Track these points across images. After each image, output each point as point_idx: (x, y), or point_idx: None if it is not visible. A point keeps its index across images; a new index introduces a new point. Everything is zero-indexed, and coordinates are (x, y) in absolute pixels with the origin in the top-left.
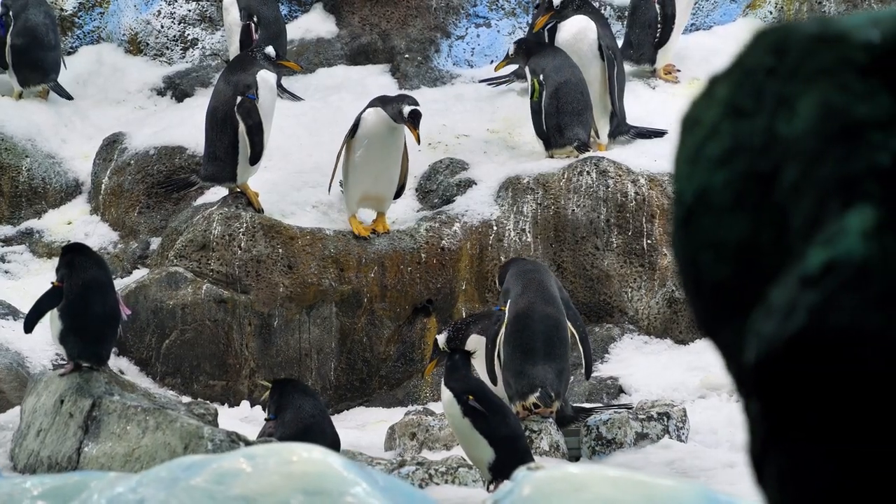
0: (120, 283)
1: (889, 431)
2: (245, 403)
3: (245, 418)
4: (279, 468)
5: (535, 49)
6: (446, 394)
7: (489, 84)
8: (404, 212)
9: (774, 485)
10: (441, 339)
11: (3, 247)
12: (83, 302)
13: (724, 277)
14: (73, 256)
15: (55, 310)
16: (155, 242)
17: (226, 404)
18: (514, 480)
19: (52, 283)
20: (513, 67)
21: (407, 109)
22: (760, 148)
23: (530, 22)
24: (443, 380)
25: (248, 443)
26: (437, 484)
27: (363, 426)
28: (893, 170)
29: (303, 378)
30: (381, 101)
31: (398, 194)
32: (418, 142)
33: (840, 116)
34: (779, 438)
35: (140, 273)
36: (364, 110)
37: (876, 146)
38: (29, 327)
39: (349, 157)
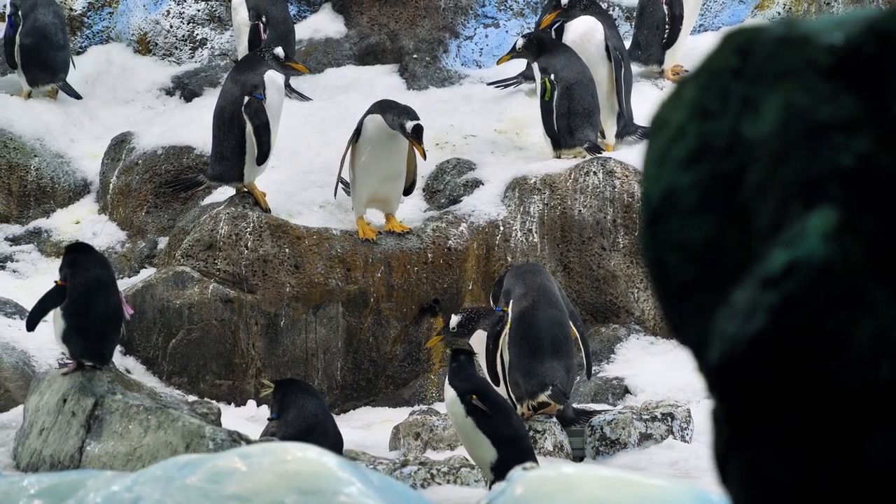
0: (127, 283)
1: (849, 432)
2: (251, 403)
3: (251, 418)
4: (274, 467)
5: (545, 47)
6: (450, 392)
7: (497, 86)
8: (411, 212)
9: (738, 484)
10: (454, 320)
11: (11, 246)
12: (86, 301)
13: (691, 278)
14: (77, 256)
15: (58, 309)
16: (162, 242)
17: (232, 404)
18: (508, 480)
19: (56, 282)
20: (520, 69)
21: (409, 125)
22: (726, 149)
23: (538, 21)
24: (447, 379)
25: (249, 442)
26: (440, 484)
27: (369, 426)
28: (856, 172)
29: (309, 378)
30: (381, 109)
31: (408, 192)
32: (424, 157)
33: (804, 118)
34: (741, 438)
35: (147, 272)
36: (365, 115)
37: (838, 148)
38: (31, 326)
39: (354, 160)
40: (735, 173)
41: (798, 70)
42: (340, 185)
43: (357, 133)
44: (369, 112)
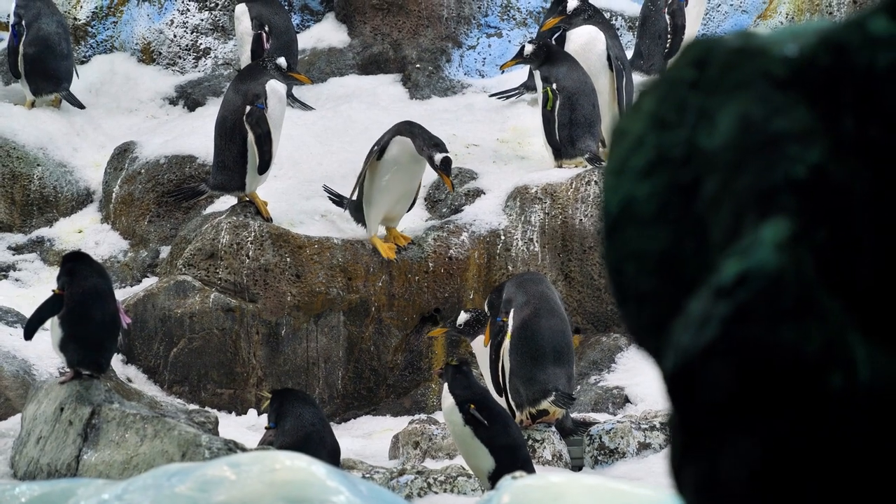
0: (129, 292)
1: (801, 443)
2: (252, 412)
3: (252, 426)
4: (262, 476)
5: (550, 56)
6: (448, 401)
7: (499, 98)
8: (413, 221)
9: (691, 492)
10: (462, 317)
11: (13, 255)
12: (83, 310)
13: (648, 288)
14: (74, 265)
15: (56, 318)
16: (164, 251)
17: (233, 412)
18: (496, 489)
19: (53, 290)
20: (521, 79)
21: (438, 157)
22: (682, 160)
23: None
24: (446, 387)
25: (245, 451)
26: (436, 493)
27: (370, 435)
28: (809, 182)
29: (310, 386)
30: (410, 133)
31: (409, 207)
32: (452, 189)
33: (758, 129)
34: (695, 447)
35: (149, 281)
36: (391, 136)
37: (792, 159)
38: (29, 335)
39: (374, 179)
40: (691, 184)
41: (753, 81)
42: (328, 195)
43: (381, 151)
44: (396, 133)
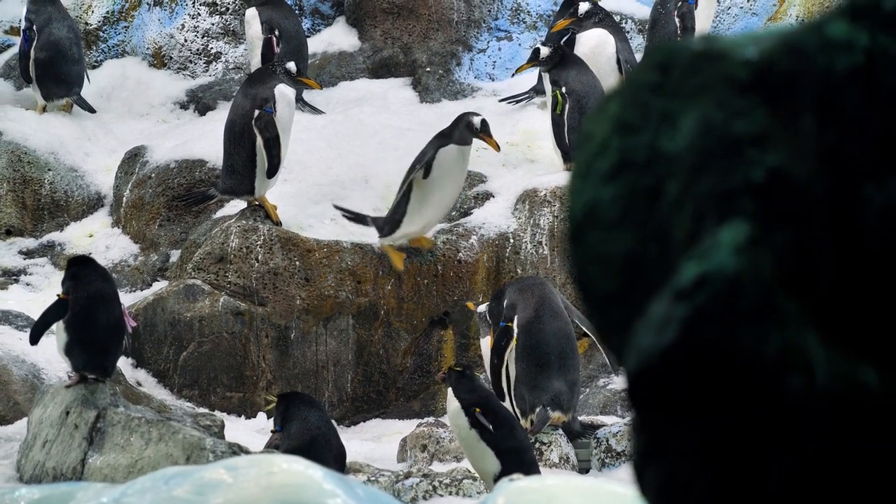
0: (139, 296)
1: (759, 445)
2: (262, 415)
3: (261, 430)
4: (259, 479)
5: (561, 59)
6: (453, 405)
7: (509, 102)
8: None
9: (653, 494)
10: (481, 308)
11: (24, 259)
12: (88, 314)
13: (612, 291)
14: (79, 269)
15: (60, 322)
16: (175, 255)
17: (242, 416)
18: (492, 492)
19: (58, 295)
20: (531, 83)
21: (476, 121)
22: (645, 163)
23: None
24: (450, 390)
25: (249, 454)
26: (441, 496)
27: (379, 438)
28: (767, 185)
29: (320, 390)
30: (445, 137)
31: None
32: (497, 149)
33: (718, 132)
34: (656, 448)
35: (159, 285)
36: (432, 153)
37: (751, 162)
38: (34, 339)
39: (420, 196)
40: (654, 187)
41: (714, 85)
42: (343, 213)
43: (427, 169)
44: (435, 148)
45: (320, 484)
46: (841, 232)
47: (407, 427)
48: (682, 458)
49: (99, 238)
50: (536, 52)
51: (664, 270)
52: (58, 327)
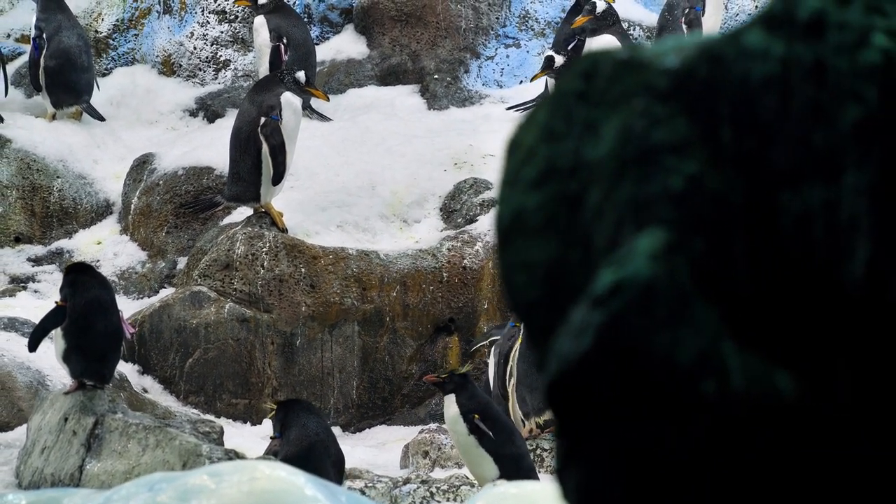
0: (145, 303)
1: (675, 450)
2: (267, 422)
3: (266, 437)
4: (241, 485)
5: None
6: (452, 411)
7: (517, 110)
8: (429, 231)
9: (573, 499)
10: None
11: (33, 266)
12: (86, 321)
13: (536, 297)
14: (77, 276)
15: (59, 329)
16: (182, 262)
17: (248, 422)
18: (475, 497)
19: (56, 302)
20: (539, 90)
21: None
22: (570, 171)
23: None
24: (451, 396)
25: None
26: (439, 502)
27: (384, 444)
28: (685, 193)
29: (325, 397)
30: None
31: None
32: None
33: (638, 140)
34: (574, 454)
35: (166, 292)
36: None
37: (669, 170)
38: (33, 346)
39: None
40: (578, 195)
41: (636, 93)
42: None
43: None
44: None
45: (302, 490)
46: (758, 239)
47: (412, 434)
48: (598, 464)
49: (107, 245)
50: (550, 59)
51: (587, 277)
52: (56, 334)
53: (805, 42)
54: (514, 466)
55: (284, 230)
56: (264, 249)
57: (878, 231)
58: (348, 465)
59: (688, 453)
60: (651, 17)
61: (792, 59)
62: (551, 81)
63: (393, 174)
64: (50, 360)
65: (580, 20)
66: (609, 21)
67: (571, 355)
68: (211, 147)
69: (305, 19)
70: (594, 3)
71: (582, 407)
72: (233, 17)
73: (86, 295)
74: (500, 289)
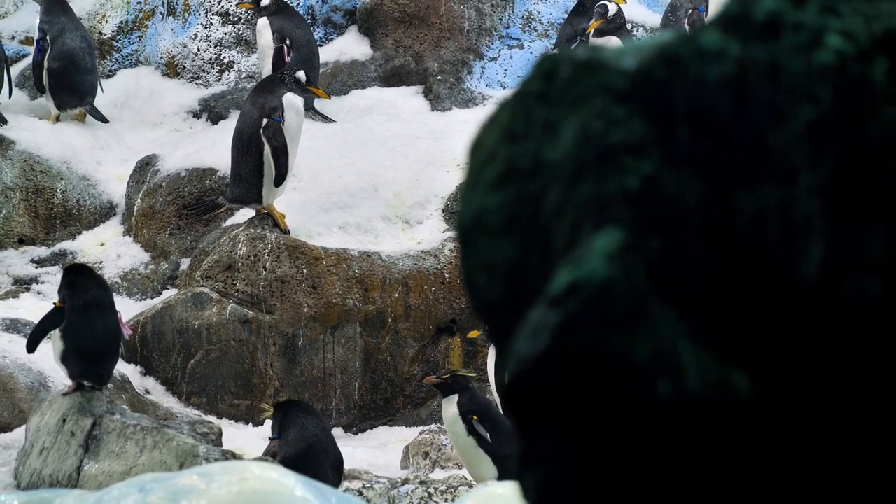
0: (147, 304)
1: (630, 450)
2: (269, 423)
3: (267, 438)
4: (231, 486)
5: None
6: (451, 412)
7: None
8: (431, 233)
9: (531, 499)
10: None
11: (36, 268)
12: (84, 322)
13: (497, 297)
14: (75, 277)
15: (57, 330)
16: (185, 263)
17: (250, 423)
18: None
19: (54, 303)
20: None
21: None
22: (530, 171)
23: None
24: (449, 398)
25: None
26: (437, 503)
27: (385, 445)
28: (642, 193)
29: (327, 398)
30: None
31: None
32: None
33: (596, 141)
34: (532, 454)
35: (168, 294)
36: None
37: (626, 170)
38: (31, 347)
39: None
40: (537, 195)
41: (594, 94)
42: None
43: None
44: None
45: (292, 491)
46: (714, 239)
47: (414, 435)
48: (556, 464)
49: (110, 247)
50: None
51: (546, 278)
52: (54, 335)
53: (761, 43)
54: (513, 467)
55: (287, 231)
56: (266, 251)
57: (832, 231)
58: (349, 465)
59: (646, 453)
60: (654, 18)
61: (748, 59)
62: None
63: (395, 175)
64: (51, 361)
65: (594, 24)
66: (617, 23)
67: (528, 356)
68: (214, 149)
69: (309, 21)
70: (605, 5)
71: (540, 407)
72: (236, 18)
73: (84, 296)
74: (464, 289)
